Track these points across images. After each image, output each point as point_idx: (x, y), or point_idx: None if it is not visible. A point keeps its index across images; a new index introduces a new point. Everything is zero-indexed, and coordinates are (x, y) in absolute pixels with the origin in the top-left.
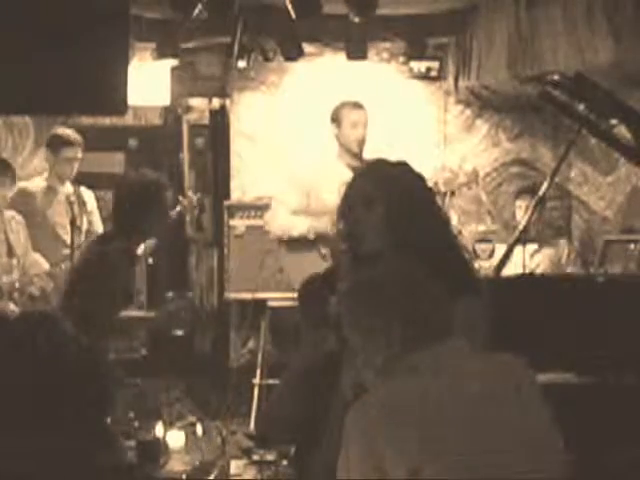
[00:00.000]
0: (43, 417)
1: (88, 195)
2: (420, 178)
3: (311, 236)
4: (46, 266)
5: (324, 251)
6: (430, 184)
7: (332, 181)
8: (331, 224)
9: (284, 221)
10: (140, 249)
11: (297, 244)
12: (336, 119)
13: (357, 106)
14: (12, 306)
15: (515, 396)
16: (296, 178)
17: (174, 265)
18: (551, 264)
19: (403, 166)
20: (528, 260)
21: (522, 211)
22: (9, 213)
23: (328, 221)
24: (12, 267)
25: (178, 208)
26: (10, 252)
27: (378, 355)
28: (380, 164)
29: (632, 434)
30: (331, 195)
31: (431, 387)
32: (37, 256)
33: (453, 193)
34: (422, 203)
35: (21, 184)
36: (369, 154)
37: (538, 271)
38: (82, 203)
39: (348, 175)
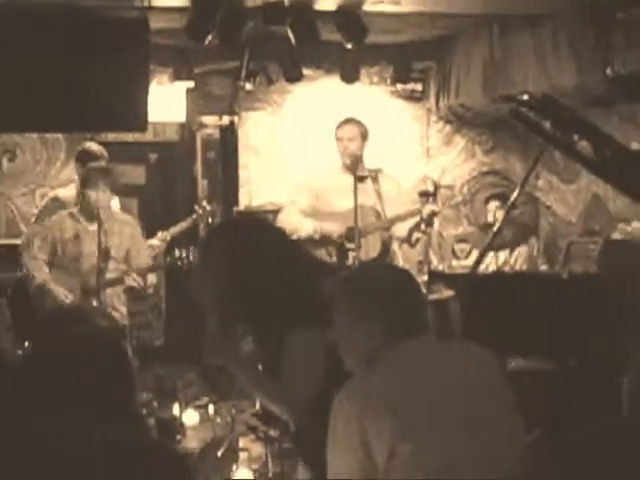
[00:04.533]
0: (79, 400)
1: (113, 202)
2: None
3: (317, 237)
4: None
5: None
6: (414, 193)
7: (339, 186)
8: (336, 227)
9: (294, 221)
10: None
11: (304, 244)
12: (335, 137)
13: (346, 122)
14: (95, 303)
15: (485, 383)
16: (307, 182)
17: None
18: (526, 260)
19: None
20: (509, 257)
21: (492, 214)
22: (117, 214)
23: (332, 224)
24: (103, 270)
25: (194, 216)
26: (105, 256)
27: (358, 345)
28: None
29: (589, 410)
30: (338, 198)
31: (407, 377)
32: (144, 255)
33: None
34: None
35: (53, 192)
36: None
37: (517, 266)
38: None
39: (351, 182)
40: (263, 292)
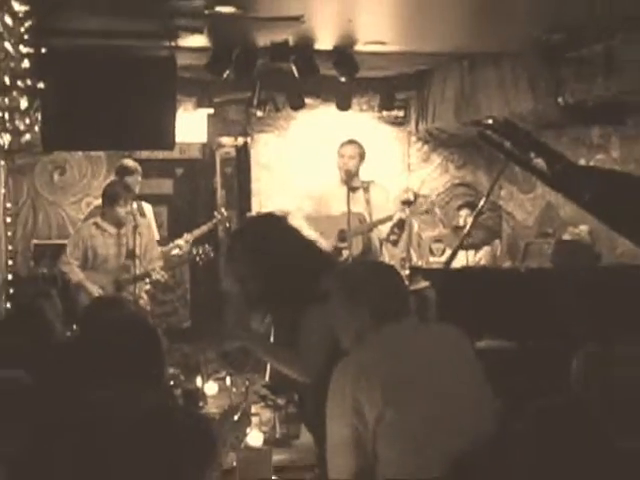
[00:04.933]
0: (117, 372)
1: (147, 208)
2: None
3: None
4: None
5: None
6: (397, 201)
7: (335, 195)
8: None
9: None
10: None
11: None
12: (338, 153)
13: (349, 142)
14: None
15: (457, 357)
16: (311, 191)
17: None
18: (489, 258)
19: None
20: (472, 256)
21: (462, 219)
22: (140, 220)
23: (330, 238)
24: (130, 267)
25: (214, 220)
26: (132, 254)
27: (352, 328)
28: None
29: (545, 383)
30: (334, 205)
31: (392, 353)
32: (154, 249)
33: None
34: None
35: (97, 201)
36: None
37: (481, 263)
38: (142, 214)
39: (345, 192)
40: (278, 278)
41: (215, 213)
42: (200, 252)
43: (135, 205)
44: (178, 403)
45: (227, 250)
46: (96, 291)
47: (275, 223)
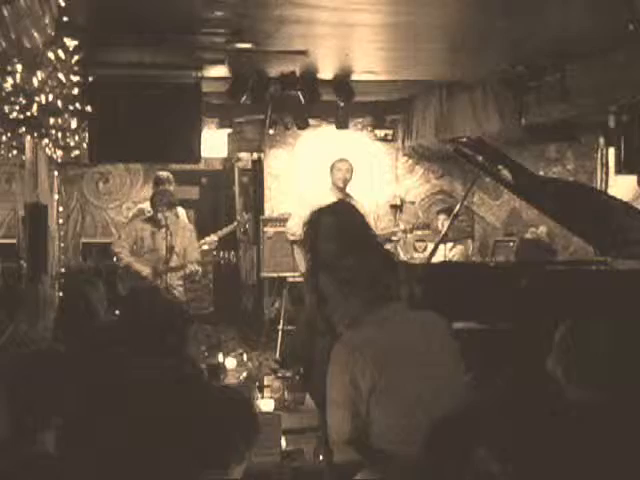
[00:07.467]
0: (150, 349)
1: (181, 212)
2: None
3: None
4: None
5: None
6: (387, 205)
7: (328, 201)
8: None
9: (297, 228)
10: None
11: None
12: (331, 168)
13: (342, 160)
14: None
15: (438, 337)
16: (306, 200)
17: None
18: (462, 255)
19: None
20: (448, 252)
21: (441, 222)
22: (181, 222)
23: None
24: (168, 260)
25: (235, 223)
26: (170, 250)
27: (347, 314)
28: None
29: (507, 358)
30: None
31: (382, 333)
32: (195, 252)
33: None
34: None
35: (139, 205)
36: (352, 188)
37: (454, 259)
38: (176, 215)
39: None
40: (351, 249)
41: (237, 217)
42: (226, 256)
43: (174, 210)
44: (204, 374)
45: (310, 226)
46: (144, 271)
47: (351, 207)
